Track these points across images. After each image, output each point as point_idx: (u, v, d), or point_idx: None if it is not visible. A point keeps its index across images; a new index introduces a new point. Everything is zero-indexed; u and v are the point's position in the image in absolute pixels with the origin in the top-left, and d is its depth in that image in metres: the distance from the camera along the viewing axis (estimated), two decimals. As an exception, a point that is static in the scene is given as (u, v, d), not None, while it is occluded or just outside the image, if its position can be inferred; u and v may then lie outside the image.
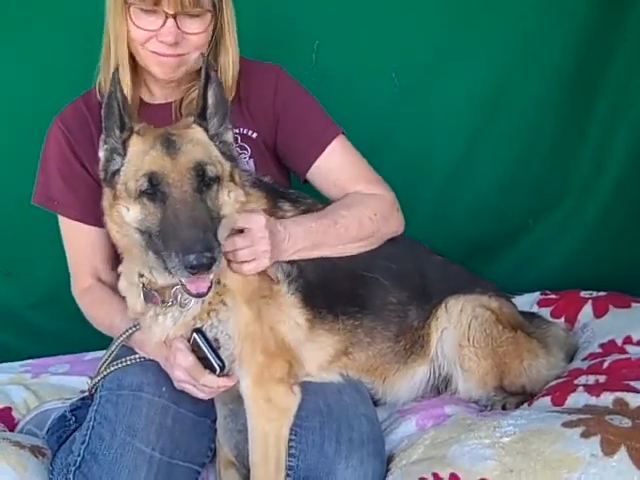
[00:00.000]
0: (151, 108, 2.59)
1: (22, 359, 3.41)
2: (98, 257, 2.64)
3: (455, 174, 3.45)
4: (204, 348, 2.20)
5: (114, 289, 2.57)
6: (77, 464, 2.23)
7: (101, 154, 2.23)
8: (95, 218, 2.53)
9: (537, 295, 3.23)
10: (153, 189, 2.08)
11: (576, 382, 2.45)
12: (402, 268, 2.57)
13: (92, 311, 2.66)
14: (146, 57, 2.44)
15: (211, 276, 2.04)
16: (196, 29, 2.40)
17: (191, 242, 1.96)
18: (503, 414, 2.37)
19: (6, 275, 3.51)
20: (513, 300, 2.83)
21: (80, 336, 3.32)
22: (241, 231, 2.26)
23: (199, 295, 2.06)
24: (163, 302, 2.24)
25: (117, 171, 2.17)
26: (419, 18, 3.24)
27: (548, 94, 3.34)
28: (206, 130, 2.20)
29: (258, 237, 2.26)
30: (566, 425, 2.09)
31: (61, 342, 3.49)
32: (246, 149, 2.63)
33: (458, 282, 2.64)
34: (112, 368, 2.41)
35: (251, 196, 2.33)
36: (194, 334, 2.22)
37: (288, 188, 2.57)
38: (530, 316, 2.81)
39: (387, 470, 2.29)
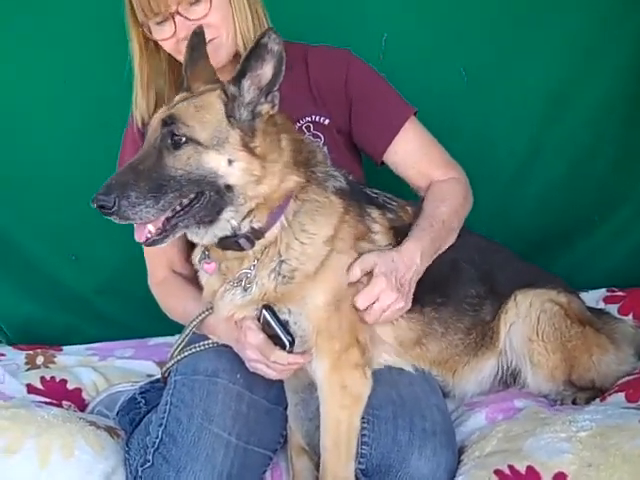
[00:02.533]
0: None
1: (87, 343, 3.50)
2: (173, 249, 2.68)
3: (520, 170, 3.43)
4: (273, 324, 2.20)
5: (188, 280, 2.64)
6: (155, 445, 2.27)
7: None
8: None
9: (603, 292, 3.22)
10: (144, 131, 2.24)
11: (649, 379, 2.46)
12: (483, 261, 2.59)
13: (166, 301, 2.71)
14: None
15: (149, 227, 2.07)
16: (202, 11, 2.43)
17: (105, 184, 2.00)
18: (577, 409, 2.37)
19: (74, 260, 3.58)
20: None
21: (144, 322, 3.41)
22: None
23: (141, 242, 2.11)
24: (230, 282, 2.28)
25: None
26: (488, 13, 3.22)
27: (615, 92, 3.30)
28: (227, 95, 2.14)
29: (387, 305, 2.27)
30: (644, 421, 2.09)
31: (125, 327, 3.56)
32: (319, 137, 2.63)
33: (528, 277, 2.64)
34: (186, 353, 2.45)
35: (335, 204, 2.31)
36: (263, 311, 2.21)
37: (372, 188, 2.54)
38: (598, 312, 2.79)
39: (459, 461, 2.30)
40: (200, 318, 2.41)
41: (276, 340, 2.22)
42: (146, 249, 2.71)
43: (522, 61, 3.28)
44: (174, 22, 2.43)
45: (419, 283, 2.38)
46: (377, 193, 2.51)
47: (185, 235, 2.56)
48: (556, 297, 2.57)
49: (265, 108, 2.14)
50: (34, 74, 3.32)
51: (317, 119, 2.64)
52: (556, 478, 2.00)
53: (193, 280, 2.56)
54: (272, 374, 2.29)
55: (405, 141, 2.61)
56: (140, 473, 2.27)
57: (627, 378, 2.53)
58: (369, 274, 2.28)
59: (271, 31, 2.04)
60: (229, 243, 2.22)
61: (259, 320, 2.23)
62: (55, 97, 3.36)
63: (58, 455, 2.33)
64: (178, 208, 2.09)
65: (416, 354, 2.47)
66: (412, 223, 2.45)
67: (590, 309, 2.73)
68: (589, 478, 1.96)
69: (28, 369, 3.16)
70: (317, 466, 2.40)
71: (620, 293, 3.19)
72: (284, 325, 2.22)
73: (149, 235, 2.09)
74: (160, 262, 2.71)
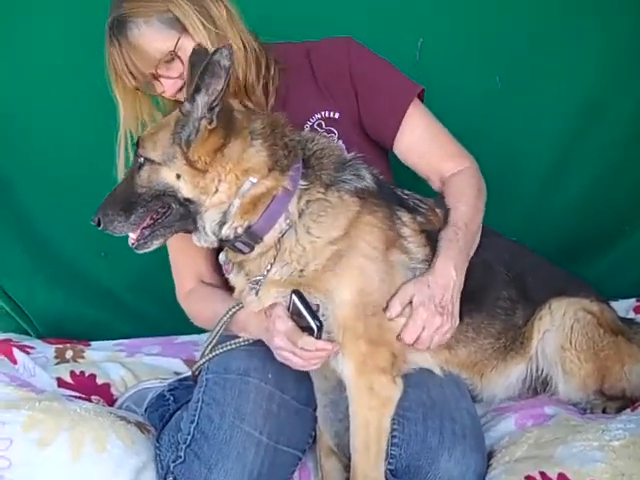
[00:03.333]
0: None
1: (115, 339, 3.52)
2: (201, 264, 2.70)
3: (551, 177, 3.43)
4: (300, 307, 2.17)
5: (218, 287, 2.65)
6: (187, 442, 2.29)
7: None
8: None
9: (633, 301, 3.22)
10: None
11: (681, 389, 2.45)
12: (514, 264, 2.58)
13: (196, 308, 2.70)
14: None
15: (131, 235, 2.30)
16: (180, 67, 2.46)
17: (99, 206, 2.28)
18: (609, 418, 2.37)
19: (104, 257, 3.60)
20: (609, 305, 2.81)
21: (172, 319, 3.40)
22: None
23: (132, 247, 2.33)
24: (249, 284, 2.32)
25: None
26: (524, 21, 3.23)
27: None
28: (183, 114, 2.21)
29: (434, 331, 2.30)
30: (677, 432, 2.08)
31: (153, 324, 3.58)
32: (333, 132, 2.61)
33: (560, 282, 2.64)
34: (217, 352, 2.47)
35: (349, 203, 2.29)
36: (292, 295, 2.19)
37: (402, 189, 2.52)
38: (629, 322, 2.80)
39: (488, 465, 2.31)
40: (231, 313, 2.41)
41: (305, 330, 2.20)
42: (173, 263, 2.76)
43: (557, 71, 3.28)
44: (160, 82, 2.49)
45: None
46: (408, 194, 2.49)
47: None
48: (589, 306, 2.57)
49: (203, 124, 2.15)
50: (53, 73, 3.35)
51: (327, 115, 2.62)
52: (589, 486, 2.00)
53: (224, 287, 2.59)
54: (300, 363, 2.24)
55: (410, 128, 2.59)
56: (172, 469, 2.29)
57: (659, 389, 2.52)
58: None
59: (223, 48, 2.07)
60: (230, 247, 2.29)
61: (289, 309, 2.22)
62: (85, 96, 3.36)
63: (90, 448, 2.35)
64: (151, 221, 2.25)
65: (445, 357, 2.47)
66: (441, 228, 2.43)
67: (621, 319, 2.73)
68: (622, 487, 1.96)
69: (57, 363, 3.17)
70: (346, 467, 2.42)
71: (650, 302, 3.18)
72: (313, 310, 2.19)
73: (133, 242, 2.30)
74: (188, 273, 2.72)
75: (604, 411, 2.52)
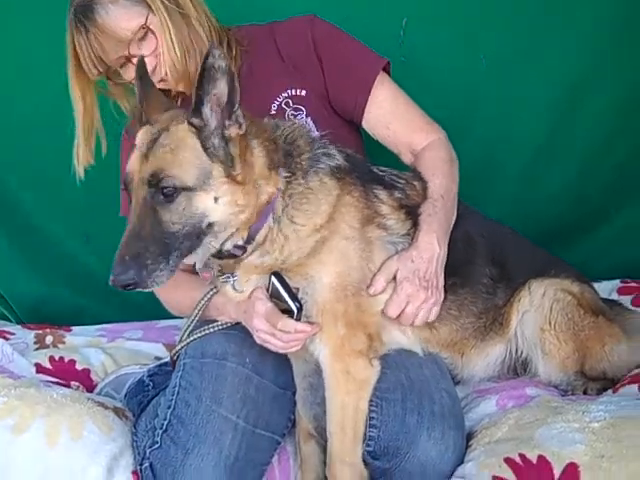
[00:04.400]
0: None
1: (97, 323, 3.50)
2: None
3: (537, 158, 3.42)
4: (280, 289, 2.15)
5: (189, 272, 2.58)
6: (164, 427, 2.27)
7: None
8: None
9: (617, 282, 3.21)
10: (127, 188, 2.09)
11: (663, 371, 2.44)
12: (495, 243, 2.57)
13: (170, 297, 2.67)
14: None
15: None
16: (153, 43, 2.44)
17: (117, 260, 1.98)
18: (590, 399, 2.35)
19: (85, 241, 3.57)
20: (593, 286, 2.79)
21: (154, 303, 3.37)
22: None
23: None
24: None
25: None
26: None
27: (636, 82, 3.27)
28: (197, 128, 2.05)
29: (417, 306, 2.29)
30: (658, 413, 2.07)
31: (135, 308, 3.54)
32: (301, 109, 2.59)
33: (542, 265, 2.63)
34: (195, 336, 2.45)
35: (329, 186, 2.26)
36: (271, 277, 2.17)
37: (377, 166, 2.49)
38: (611, 303, 2.78)
39: (468, 446, 2.29)
40: (209, 297, 2.39)
41: (285, 312, 2.19)
42: None
43: (542, 49, 3.26)
44: (132, 64, 2.42)
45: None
46: (384, 171, 2.47)
47: None
48: (569, 287, 2.56)
49: (233, 130, 2.05)
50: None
51: (294, 92, 2.60)
52: (568, 468, 1.98)
53: (193, 271, 2.52)
54: (279, 344, 2.23)
55: (377, 101, 2.58)
56: (148, 454, 2.27)
57: (639, 370, 2.51)
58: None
59: (213, 49, 1.94)
60: (222, 255, 2.21)
61: (268, 291, 2.20)
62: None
63: (66, 436, 2.33)
64: None
65: (425, 336, 2.45)
66: (421, 202, 2.42)
67: (603, 300, 2.72)
68: (602, 469, 1.94)
69: (37, 348, 3.16)
70: (325, 450, 2.39)
71: (634, 284, 3.17)
72: (292, 292, 2.17)
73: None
74: None
75: (585, 392, 2.51)
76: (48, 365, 2.94)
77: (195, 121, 2.04)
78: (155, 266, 1.97)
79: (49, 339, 3.24)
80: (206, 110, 2.02)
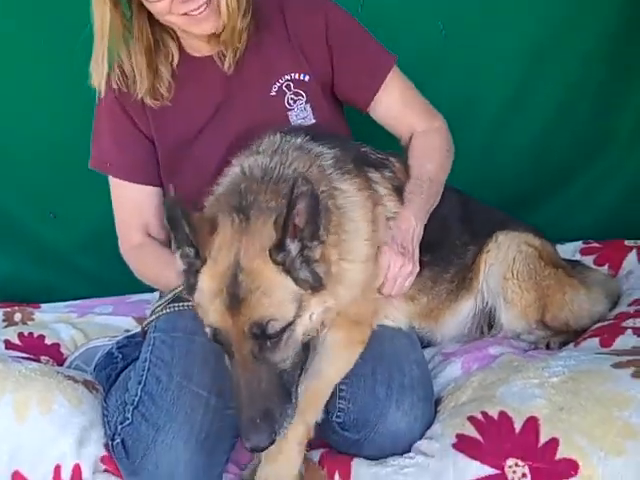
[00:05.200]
0: (196, 61, 2.55)
1: (66, 300, 3.50)
2: (149, 213, 2.63)
3: (499, 122, 3.44)
4: None
5: (164, 245, 2.59)
6: (135, 403, 2.27)
7: (179, 261, 2.03)
8: (146, 176, 2.59)
9: (579, 244, 3.25)
10: (219, 344, 1.98)
11: (624, 325, 2.49)
12: (462, 211, 2.65)
13: (142, 268, 2.65)
14: (182, 23, 2.38)
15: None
16: None
17: (249, 424, 1.89)
18: (550, 355, 2.40)
19: (52, 218, 3.56)
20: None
21: (124, 279, 3.35)
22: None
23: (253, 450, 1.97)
24: None
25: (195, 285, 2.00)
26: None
27: (596, 44, 3.30)
28: (280, 264, 1.92)
29: (397, 271, 2.28)
30: (616, 366, 2.11)
31: (105, 284, 3.55)
32: (301, 95, 2.57)
33: (503, 222, 2.71)
34: (168, 310, 2.44)
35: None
36: None
37: (360, 143, 2.54)
38: (572, 262, 2.85)
39: (436, 412, 2.33)
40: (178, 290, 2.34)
41: None
42: (118, 210, 2.67)
43: (501, 15, 3.27)
44: None
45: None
46: (365, 149, 2.50)
47: (163, 198, 2.60)
48: (531, 240, 2.65)
49: (317, 251, 1.95)
50: (17, 30, 3.28)
51: (297, 77, 2.57)
52: (528, 422, 2.03)
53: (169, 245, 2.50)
54: None
55: (388, 92, 2.60)
56: (119, 430, 2.27)
57: (602, 324, 2.58)
58: None
59: (299, 180, 1.85)
60: None
61: None
62: (36, 53, 3.30)
63: (36, 410, 2.34)
64: None
65: (408, 310, 2.50)
66: (404, 183, 2.46)
67: (564, 260, 2.78)
68: (561, 421, 1.99)
69: (6, 326, 3.16)
70: None
71: (596, 245, 3.22)
72: None
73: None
74: (136, 225, 2.63)
75: (548, 346, 2.58)
76: (17, 341, 2.95)
77: (279, 257, 1.90)
78: (284, 414, 1.94)
79: (18, 316, 3.24)
80: (287, 241, 1.90)
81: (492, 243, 2.64)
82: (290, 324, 1.92)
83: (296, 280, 1.93)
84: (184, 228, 1.91)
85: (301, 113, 2.56)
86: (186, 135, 2.56)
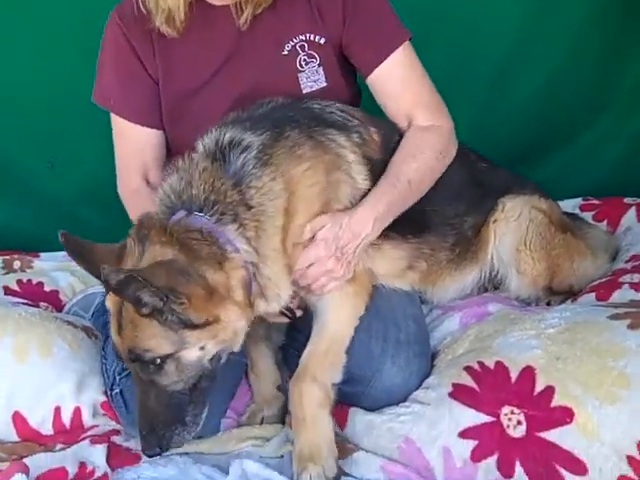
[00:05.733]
0: (212, 8, 2.46)
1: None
2: (150, 156, 2.58)
3: (499, 78, 3.42)
4: None
5: None
6: None
7: None
8: (150, 118, 2.54)
9: (579, 200, 3.26)
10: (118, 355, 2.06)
11: (621, 280, 2.50)
12: (458, 180, 2.54)
13: (136, 213, 2.48)
14: None
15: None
16: None
17: (141, 435, 1.98)
18: (547, 309, 2.41)
19: (50, 168, 3.55)
20: (555, 205, 2.84)
21: (123, 228, 3.37)
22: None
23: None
24: None
25: None
26: None
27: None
28: (144, 315, 1.92)
29: (323, 272, 2.18)
30: (612, 317, 2.11)
31: (104, 234, 3.50)
32: (314, 57, 2.47)
33: (505, 184, 2.65)
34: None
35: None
36: None
37: (317, 100, 2.41)
38: (572, 217, 2.84)
39: (432, 366, 2.35)
40: None
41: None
42: (119, 150, 2.62)
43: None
44: None
45: (395, 220, 2.31)
46: (328, 107, 2.38)
47: (163, 145, 2.58)
48: (539, 204, 2.61)
49: (178, 308, 1.89)
50: None
51: (312, 38, 2.47)
52: (524, 372, 2.04)
53: None
54: None
55: (392, 67, 2.45)
56: (118, 381, 2.30)
57: (599, 281, 2.59)
58: None
59: (103, 271, 1.77)
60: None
61: None
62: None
63: (35, 352, 2.36)
64: None
65: (409, 278, 2.48)
66: (383, 158, 2.35)
67: (565, 213, 2.77)
68: (557, 371, 2.01)
69: (5, 273, 3.18)
70: (275, 353, 2.49)
71: (595, 201, 3.22)
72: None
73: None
74: (135, 167, 2.58)
75: (548, 304, 2.58)
76: (16, 287, 2.97)
77: (143, 311, 1.89)
78: (171, 432, 1.97)
79: (17, 264, 3.26)
80: (146, 299, 1.86)
81: (499, 212, 2.57)
82: (168, 356, 1.93)
83: (165, 324, 1.91)
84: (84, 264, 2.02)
85: (312, 76, 2.47)
86: (191, 83, 2.50)
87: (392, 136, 2.43)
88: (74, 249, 2.06)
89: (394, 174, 2.31)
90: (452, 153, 2.48)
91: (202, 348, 1.95)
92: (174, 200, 2.09)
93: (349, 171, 2.27)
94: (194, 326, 1.92)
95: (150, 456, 2.03)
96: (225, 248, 1.99)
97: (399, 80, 2.47)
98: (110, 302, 1.99)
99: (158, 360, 1.93)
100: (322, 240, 2.16)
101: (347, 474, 2.12)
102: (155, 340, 1.91)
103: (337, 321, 2.23)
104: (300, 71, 2.47)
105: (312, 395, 2.12)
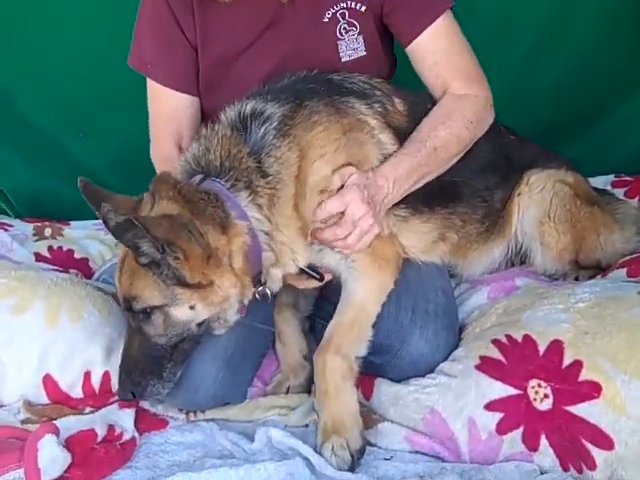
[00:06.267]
0: None
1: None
2: (184, 123, 2.57)
3: (534, 54, 3.41)
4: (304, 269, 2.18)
5: None
6: None
7: None
8: (186, 84, 2.53)
9: (611, 177, 3.24)
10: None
11: (652, 256, 2.47)
12: (487, 156, 2.52)
13: None
14: None
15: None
16: None
17: (119, 379, 2.07)
18: (576, 283, 2.40)
19: (81, 137, 3.57)
20: (586, 182, 2.81)
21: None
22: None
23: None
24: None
25: None
26: None
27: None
28: (142, 265, 1.97)
29: (357, 217, 2.12)
30: (643, 293, 2.10)
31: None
32: (354, 25, 2.45)
33: (533, 158, 2.63)
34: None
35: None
36: None
37: (340, 73, 2.39)
38: (601, 192, 2.81)
39: (460, 339, 2.35)
40: None
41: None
42: (154, 116, 2.60)
43: None
44: None
45: (422, 190, 2.31)
46: (350, 78, 2.36)
47: (198, 112, 2.57)
48: (565, 177, 2.58)
49: (173, 262, 1.92)
50: None
51: (353, 5, 2.43)
52: (552, 345, 2.04)
53: None
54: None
55: (435, 35, 2.41)
56: None
57: (630, 257, 2.55)
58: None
59: (104, 211, 1.83)
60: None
61: None
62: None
63: (66, 317, 2.39)
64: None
65: (440, 250, 2.48)
66: (410, 127, 2.33)
67: (594, 189, 2.74)
68: (585, 345, 2.00)
69: (36, 240, 3.21)
70: (300, 321, 2.52)
71: (628, 178, 3.20)
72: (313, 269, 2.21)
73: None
74: (169, 134, 2.58)
75: (577, 279, 2.55)
76: (47, 254, 3.01)
77: (142, 260, 1.94)
78: (146, 382, 2.05)
79: (48, 231, 3.29)
80: (145, 248, 1.91)
81: (523, 185, 2.55)
82: (157, 307, 1.98)
83: (160, 276, 1.96)
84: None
85: (352, 44, 2.45)
86: (230, 51, 2.48)
87: (422, 106, 2.41)
88: (91, 196, 2.10)
89: (420, 139, 2.30)
90: (486, 124, 2.45)
91: (192, 308, 1.99)
92: (193, 166, 2.13)
93: (372, 133, 2.28)
94: (187, 285, 1.96)
95: (124, 400, 2.14)
96: (230, 213, 2.01)
97: (439, 50, 2.43)
98: (120, 249, 2.07)
99: (147, 309, 1.99)
100: (354, 184, 2.14)
101: (373, 444, 2.13)
102: (147, 290, 1.97)
103: (364, 294, 2.23)
104: (340, 39, 2.45)
105: (335, 367, 2.13)
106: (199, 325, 2.04)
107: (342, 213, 2.12)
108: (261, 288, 2.15)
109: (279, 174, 2.09)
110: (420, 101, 2.43)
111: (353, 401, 2.12)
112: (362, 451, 2.06)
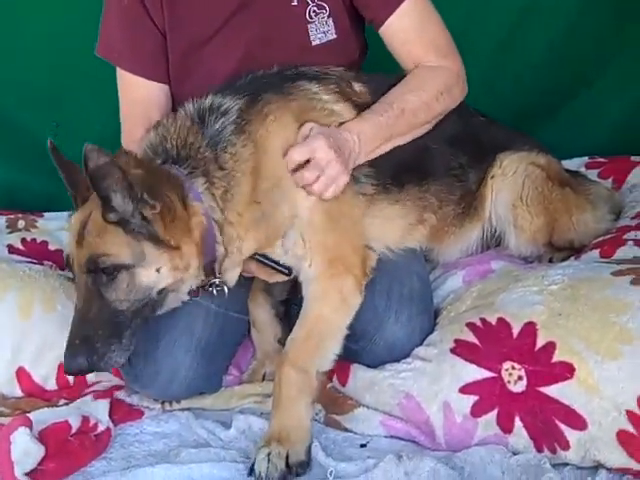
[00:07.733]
0: None
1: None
2: (154, 110, 2.52)
3: (506, 37, 3.39)
4: (267, 263, 2.18)
5: None
6: None
7: None
8: (155, 72, 2.50)
9: (585, 159, 3.24)
10: (70, 269, 2.07)
11: (625, 237, 2.47)
12: (458, 132, 2.50)
13: None
14: None
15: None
16: None
17: (68, 346, 1.94)
18: (550, 266, 2.39)
19: (55, 127, 3.53)
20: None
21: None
22: (308, 160, 2.10)
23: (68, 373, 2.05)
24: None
25: None
26: None
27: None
28: (111, 222, 1.94)
29: (325, 163, 2.09)
30: (615, 274, 2.10)
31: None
32: (324, 8, 2.42)
33: (505, 140, 2.62)
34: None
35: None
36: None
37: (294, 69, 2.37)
38: (573, 173, 2.81)
39: (435, 324, 2.34)
40: None
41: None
42: (124, 103, 2.58)
43: None
44: None
45: (390, 164, 2.30)
46: (304, 68, 2.35)
47: (170, 94, 2.54)
48: (537, 159, 2.58)
49: (148, 212, 1.93)
50: None
51: None
52: (526, 327, 2.04)
53: None
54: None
55: (406, 13, 2.39)
56: None
57: (603, 238, 2.56)
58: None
59: (87, 151, 1.84)
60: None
61: None
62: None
63: (39, 308, 2.39)
64: None
65: (418, 234, 2.46)
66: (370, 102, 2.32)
67: (567, 171, 2.74)
68: (558, 326, 2.00)
69: (10, 232, 3.18)
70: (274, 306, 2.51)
71: (601, 159, 3.21)
72: (278, 263, 2.18)
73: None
74: (139, 119, 2.52)
75: (550, 261, 2.56)
76: (20, 246, 2.98)
77: (110, 216, 1.92)
78: (106, 348, 1.93)
79: (21, 223, 3.26)
80: (117, 201, 1.90)
81: (496, 168, 2.54)
82: (125, 267, 1.93)
83: (131, 232, 1.94)
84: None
85: (322, 27, 2.42)
86: (199, 35, 2.45)
87: (386, 87, 2.38)
88: (61, 161, 2.10)
89: (388, 101, 2.30)
90: (457, 96, 2.45)
91: (158, 270, 1.96)
92: (150, 154, 2.12)
93: (326, 106, 2.26)
94: (157, 241, 1.94)
95: (73, 373, 2.02)
96: (188, 194, 2.01)
97: (410, 28, 2.42)
98: (75, 219, 2.03)
99: (114, 269, 1.93)
100: (321, 133, 2.13)
101: (349, 430, 2.14)
102: (117, 247, 1.93)
103: (320, 304, 2.16)
104: (309, 22, 2.42)
105: (290, 380, 2.06)
106: (159, 293, 2.00)
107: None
108: (215, 280, 2.12)
109: (233, 170, 2.08)
110: (385, 84, 2.40)
111: (305, 415, 2.04)
112: (304, 466, 1.99)
